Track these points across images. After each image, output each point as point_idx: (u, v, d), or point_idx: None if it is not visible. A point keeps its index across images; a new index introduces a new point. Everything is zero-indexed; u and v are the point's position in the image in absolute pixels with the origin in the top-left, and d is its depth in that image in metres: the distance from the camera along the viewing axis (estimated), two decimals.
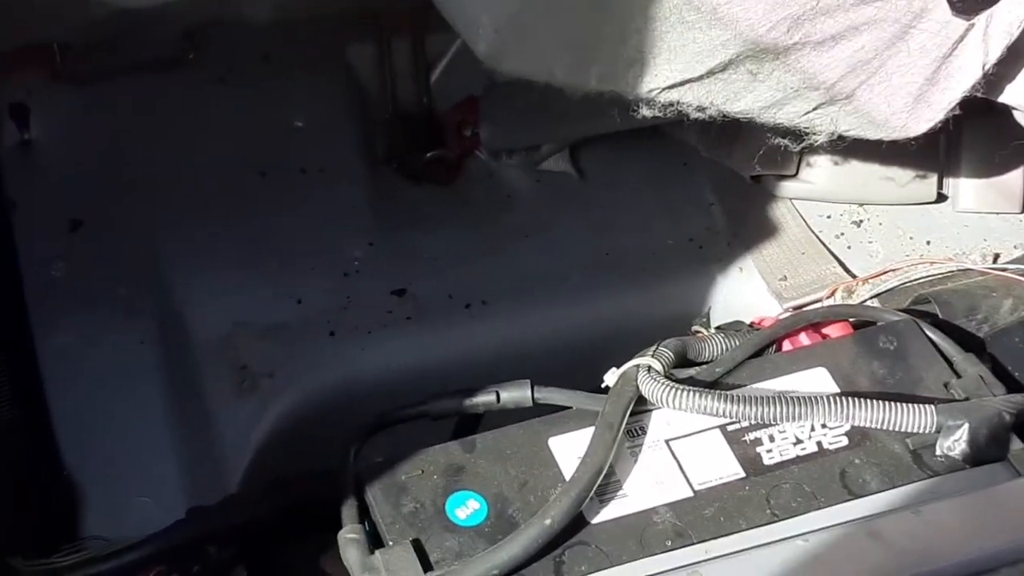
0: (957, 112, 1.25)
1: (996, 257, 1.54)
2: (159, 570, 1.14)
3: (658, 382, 1.11)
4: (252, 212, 1.62)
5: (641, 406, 1.13)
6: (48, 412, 1.43)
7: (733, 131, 1.61)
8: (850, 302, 1.46)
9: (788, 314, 1.37)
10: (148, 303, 1.53)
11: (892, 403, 1.10)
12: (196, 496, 1.32)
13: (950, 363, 1.19)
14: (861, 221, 1.65)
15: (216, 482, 1.39)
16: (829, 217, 1.66)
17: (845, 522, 1.06)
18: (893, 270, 1.48)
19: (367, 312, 1.54)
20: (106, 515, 1.35)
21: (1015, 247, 1.59)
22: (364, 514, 1.08)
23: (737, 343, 1.20)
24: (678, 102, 1.25)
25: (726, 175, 1.68)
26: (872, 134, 1.28)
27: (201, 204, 1.62)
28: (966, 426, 1.10)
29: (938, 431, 1.11)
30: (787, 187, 1.67)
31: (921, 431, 1.11)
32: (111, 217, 1.59)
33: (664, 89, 1.23)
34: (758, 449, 1.12)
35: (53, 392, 1.44)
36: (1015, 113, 1.32)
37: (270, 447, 1.43)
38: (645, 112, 1.27)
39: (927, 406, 1.11)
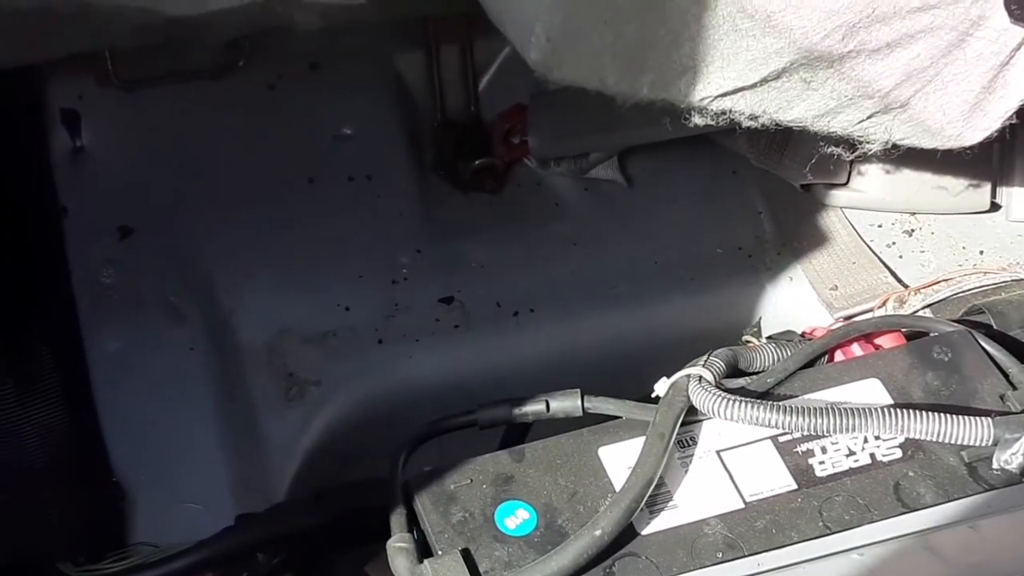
0: (1012, 121, 1.23)
1: None
2: None
3: (709, 392, 1.10)
4: (300, 219, 1.63)
5: (692, 416, 1.12)
6: (97, 418, 1.43)
7: (783, 139, 1.61)
8: (902, 312, 1.44)
9: (840, 324, 1.36)
10: (197, 310, 1.54)
11: (947, 415, 1.09)
12: (244, 503, 1.33)
13: (1006, 375, 1.18)
14: (913, 230, 1.64)
15: (264, 489, 1.39)
16: (880, 226, 1.64)
17: (899, 536, 1.04)
18: (946, 280, 1.46)
19: (415, 320, 1.54)
20: (155, 521, 1.35)
21: None
22: (413, 523, 1.08)
23: (789, 353, 1.19)
24: (731, 110, 1.24)
25: (776, 184, 1.67)
26: (927, 143, 1.27)
27: (249, 211, 1.62)
28: (1023, 439, 1.09)
29: (995, 444, 1.09)
30: (838, 196, 1.65)
31: (977, 444, 1.09)
32: (161, 224, 1.60)
33: (717, 97, 1.23)
34: (810, 461, 1.11)
35: (102, 398, 1.45)
36: None
37: (317, 454, 1.44)
38: (697, 120, 1.26)
39: (983, 418, 1.09)
